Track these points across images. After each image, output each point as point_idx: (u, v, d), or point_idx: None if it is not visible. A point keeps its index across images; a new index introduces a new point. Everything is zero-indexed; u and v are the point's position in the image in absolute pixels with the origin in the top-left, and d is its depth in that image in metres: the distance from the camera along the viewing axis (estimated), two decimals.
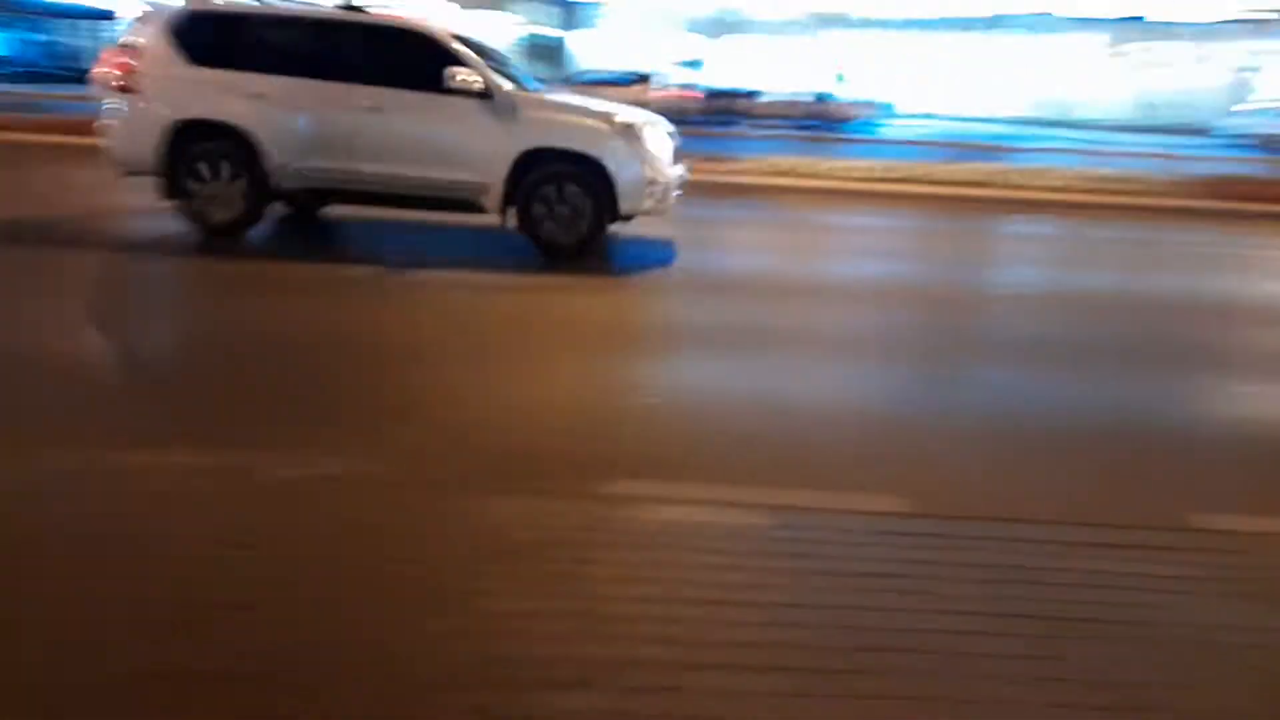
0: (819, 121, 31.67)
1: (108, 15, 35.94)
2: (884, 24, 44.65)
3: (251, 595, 2.84)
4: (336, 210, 9.42)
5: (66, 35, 35.50)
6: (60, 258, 7.30)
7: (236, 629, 2.67)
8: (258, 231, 8.36)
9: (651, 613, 2.86)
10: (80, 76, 29.90)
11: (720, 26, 14.36)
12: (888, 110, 39.48)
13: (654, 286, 7.46)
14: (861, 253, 9.97)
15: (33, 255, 7.35)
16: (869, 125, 32.45)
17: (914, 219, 12.55)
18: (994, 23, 43.51)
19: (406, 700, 2.44)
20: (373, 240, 8.85)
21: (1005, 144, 25.23)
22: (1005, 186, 14.67)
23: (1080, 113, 43.65)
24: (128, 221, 8.89)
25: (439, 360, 5.29)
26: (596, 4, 32.60)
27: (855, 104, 33.90)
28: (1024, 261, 10.34)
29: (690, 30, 38.59)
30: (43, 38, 34.89)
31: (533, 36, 39.69)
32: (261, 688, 2.45)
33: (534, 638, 2.71)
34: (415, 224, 9.22)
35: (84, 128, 12.51)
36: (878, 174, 14.90)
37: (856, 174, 14.86)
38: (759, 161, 15.54)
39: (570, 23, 36.95)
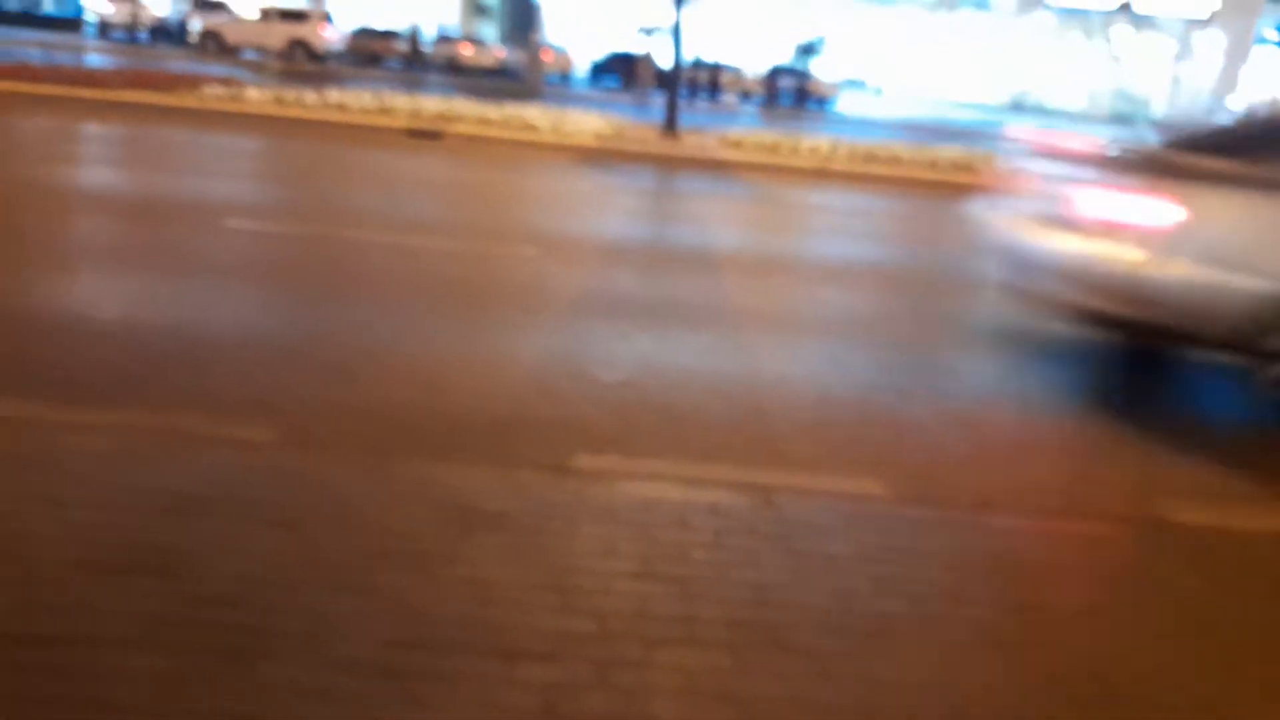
0: (788, 97, 31.33)
1: None
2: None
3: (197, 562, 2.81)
4: None
5: None
6: None
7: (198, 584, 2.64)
8: None
9: (624, 588, 2.85)
10: None
11: None
12: (868, 89, 39.63)
13: None
14: (844, 235, 9.97)
15: None
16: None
17: (895, 202, 12.56)
18: (977, 3, 43.30)
19: (378, 655, 2.41)
20: None
21: (983, 130, 25.27)
22: (990, 172, 14.65)
23: (1055, 102, 43.62)
24: None
25: None
26: None
27: (824, 82, 33.43)
28: None
29: None
30: None
31: None
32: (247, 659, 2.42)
33: (504, 606, 2.69)
34: None
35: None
36: (852, 155, 14.86)
37: (832, 154, 14.81)
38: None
39: None
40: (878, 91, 41.57)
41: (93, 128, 12.32)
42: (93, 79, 16.10)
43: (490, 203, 9.65)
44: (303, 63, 26.71)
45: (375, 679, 2.35)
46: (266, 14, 28.39)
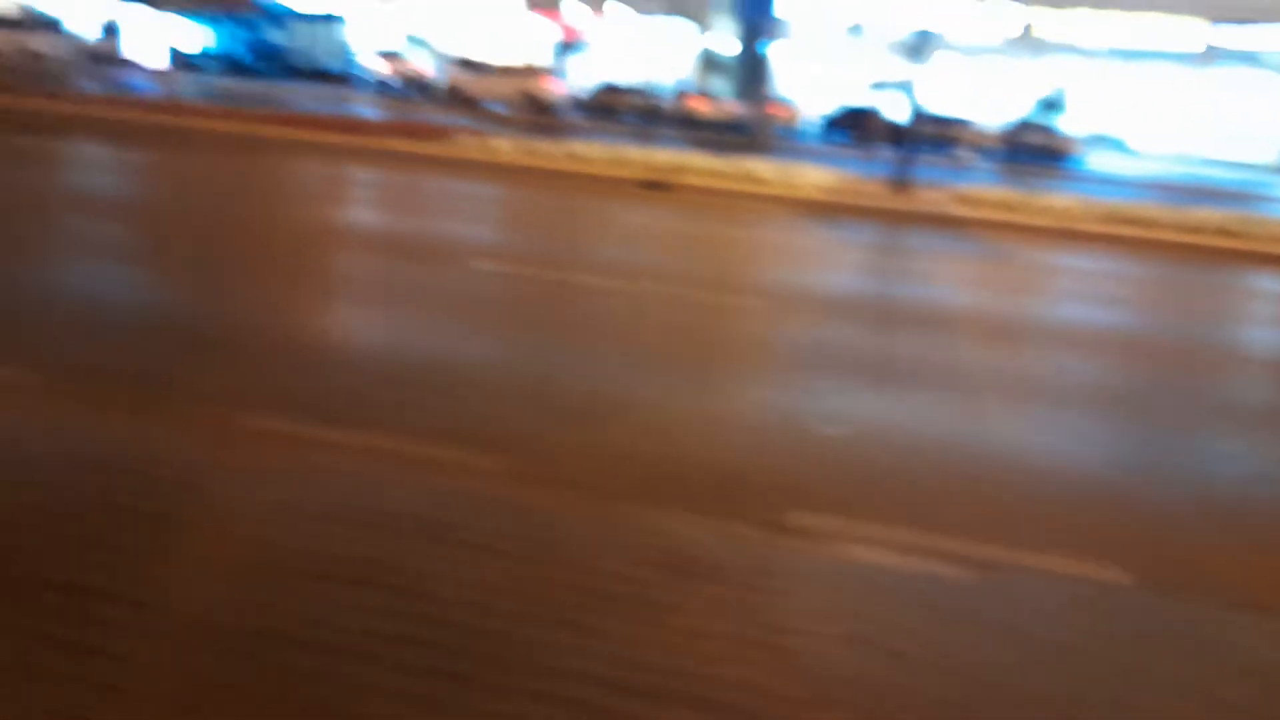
0: (1028, 153, 29.92)
1: (331, 19, 39.29)
2: (1092, 53, 41.26)
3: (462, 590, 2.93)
4: None
5: (273, 34, 39.00)
6: None
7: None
8: None
9: (838, 654, 2.75)
10: (280, 72, 35.41)
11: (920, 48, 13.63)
12: (1116, 145, 37.36)
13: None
14: (1088, 300, 9.38)
15: None
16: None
17: (1147, 267, 11.71)
18: (1250, 58, 40.00)
19: (588, 694, 2.43)
20: None
21: (1248, 191, 23.17)
22: (1257, 238, 13.29)
23: None
24: None
25: None
26: (782, 20, 31.31)
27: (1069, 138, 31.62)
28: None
29: (891, 51, 36.86)
30: (249, 34, 38.50)
31: (707, 51, 39.60)
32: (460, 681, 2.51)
33: (716, 660, 2.65)
34: None
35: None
36: (1099, 215, 13.95)
37: (1076, 214, 13.97)
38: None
39: (751, 38, 35.96)
40: (1125, 148, 38.96)
41: (358, 172, 13.45)
42: (360, 127, 17.65)
43: (717, 253, 9.75)
44: (532, 114, 28.79)
45: (584, 718, 2.37)
46: (505, 70, 31.68)
